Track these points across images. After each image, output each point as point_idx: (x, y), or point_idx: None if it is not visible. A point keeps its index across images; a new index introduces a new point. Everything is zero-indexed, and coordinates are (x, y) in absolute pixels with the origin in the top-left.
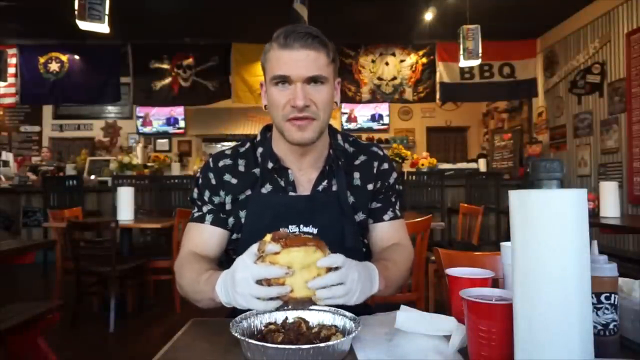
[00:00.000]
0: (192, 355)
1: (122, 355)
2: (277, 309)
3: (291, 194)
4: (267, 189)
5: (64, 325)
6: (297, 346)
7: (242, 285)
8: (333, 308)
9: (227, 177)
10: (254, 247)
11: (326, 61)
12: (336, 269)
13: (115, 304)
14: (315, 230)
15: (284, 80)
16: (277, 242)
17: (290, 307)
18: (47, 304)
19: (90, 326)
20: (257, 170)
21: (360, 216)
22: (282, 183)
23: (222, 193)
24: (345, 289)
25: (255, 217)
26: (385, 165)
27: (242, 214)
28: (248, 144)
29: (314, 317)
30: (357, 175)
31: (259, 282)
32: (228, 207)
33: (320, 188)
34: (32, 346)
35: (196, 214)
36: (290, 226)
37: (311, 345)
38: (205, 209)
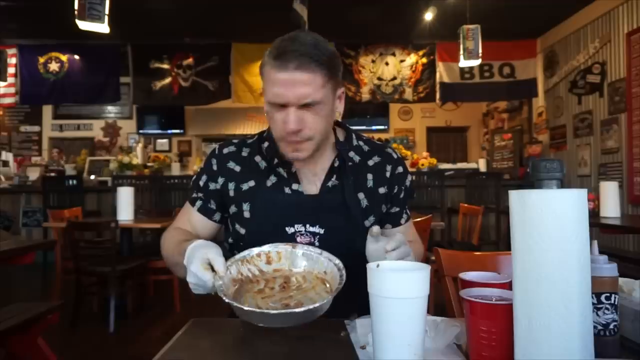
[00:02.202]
0: (192, 355)
1: (122, 355)
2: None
3: (294, 186)
4: (271, 180)
5: (64, 325)
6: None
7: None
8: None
9: (230, 164)
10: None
11: (322, 82)
12: None
13: (115, 304)
14: (321, 231)
15: (278, 103)
16: None
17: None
18: (47, 304)
19: (90, 326)
20: (260, 162)
21: (370, 220)
22: (285, 174)
23: (220, 180)
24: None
25: (261, 215)
26: (400, 169)
27: (246, 206)
28: (256, 137)
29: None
30: (370, 177)
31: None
32: (232, 194)
33: (330, 184)
34: (32, 346)
35: (192, 196)
36: (296, 225)
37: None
38: (199, 194)
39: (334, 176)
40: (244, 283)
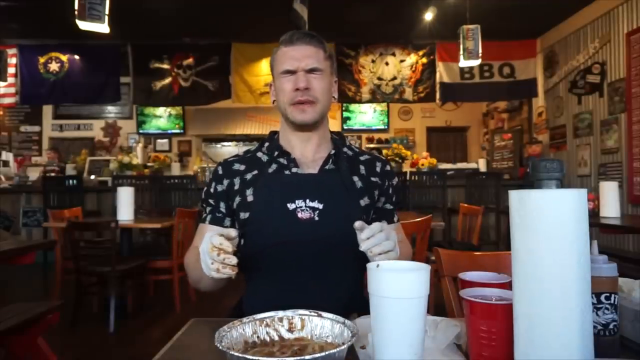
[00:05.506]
0: (192, 355)
1: (122, 355)
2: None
3: (294, 169)
4: (272, 168)
5: (64, 325)
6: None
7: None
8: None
9: (235, 166)
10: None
11: (323, 56)
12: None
13: (115, 304)
14: (321, 206)
15: (290, 72)
16: None
17: None
18: (47, 304)
19: (90, 326)
20: (262, 156)
21: (365, 200)
22: (285, 162)
23: (226, 181)
24: (391, 244)
25: (263, 194)
26: (388, 167)
27: (249, 191)
28: (257, 145)
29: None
30: (362, 167)
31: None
32: (237, 187)
33: (327, 167)
34: (32, 346)
35: (204, 215)
36: (297, 200)
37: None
38: (208, 209)
39: (330, 161)
40: (256, 345)
